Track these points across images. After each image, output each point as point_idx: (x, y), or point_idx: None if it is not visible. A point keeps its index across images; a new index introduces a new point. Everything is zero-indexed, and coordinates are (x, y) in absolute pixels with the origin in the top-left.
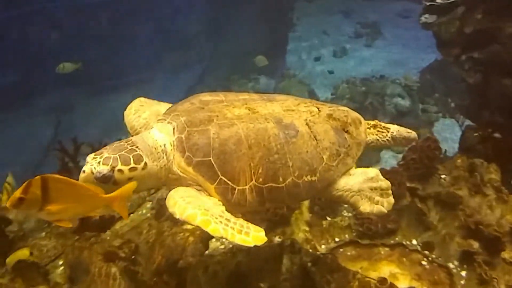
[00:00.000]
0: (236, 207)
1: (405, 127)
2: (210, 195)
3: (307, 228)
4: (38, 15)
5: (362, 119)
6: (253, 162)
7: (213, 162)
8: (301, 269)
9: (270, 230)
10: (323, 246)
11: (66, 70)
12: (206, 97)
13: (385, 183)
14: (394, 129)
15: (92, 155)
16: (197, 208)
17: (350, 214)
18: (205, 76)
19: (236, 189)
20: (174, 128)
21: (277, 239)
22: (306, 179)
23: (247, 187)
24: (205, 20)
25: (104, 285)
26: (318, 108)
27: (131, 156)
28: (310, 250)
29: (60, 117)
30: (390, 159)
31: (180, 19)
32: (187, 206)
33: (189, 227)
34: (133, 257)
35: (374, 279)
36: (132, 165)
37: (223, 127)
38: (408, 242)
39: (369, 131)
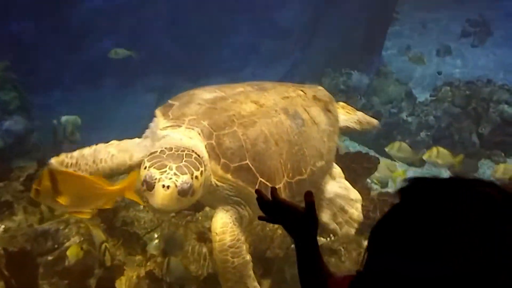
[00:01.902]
0: None
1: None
2: (248, 204)
3: None
4: (140, 4)
5: (332, 97)
6: (282, 158)
7: (250, 165)
8: None
9: (359, 233)
10: None
11: (118, 56)
12: (205, 95)
13: (358, 215)
14: (359, 113)
15: (156, 170)
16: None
17: None
18: (298, 68)
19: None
20: (199, 134)
21: (366, 243)
22: (318, 165)
23: (281, 184)
24: (302, 12)
25: (196, 263)
26: (303, 91)
27: (194, 161)
28: None
29: (160, 99)
30: (488, 171)
31: (277, 10)
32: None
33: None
34: None
35: None
36: (201, 168)
37: (247, 126)
38: None
39: (340, 110)
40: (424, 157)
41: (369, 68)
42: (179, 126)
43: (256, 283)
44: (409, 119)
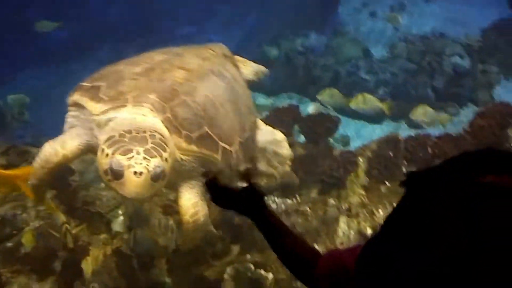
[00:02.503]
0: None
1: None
2: (216, 166)
3: (363, 192)
4: None
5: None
6: (230, 119)
7: (209, 132)
8: (358, 234)
9: (324, 192)
10: (380, 212)
11: (45, 29)
12: (132, 68)
13: (287, 152)
14: (253, 64)
15: (122, 156)
16: None
17: None
18: (255, 31)
19: (233, 152)
20: (151, 109)
21: (331, 201)
22: (252, 120)
23: (237, 145)
24: None
25: (163, 236)
26: (212, 50)
27: (159, 141)
28: (367, 216)
29: None
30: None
31: None
32: None
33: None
34: None
35: None
36: (168, 149)
37: (191, 93)
38: None
39: (240, 65)
40: (350, 105)
41: (325, 27)
42: (124, 106)
43: (211, 227)
44: (367, 77)
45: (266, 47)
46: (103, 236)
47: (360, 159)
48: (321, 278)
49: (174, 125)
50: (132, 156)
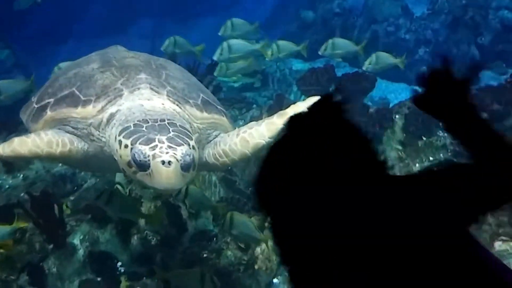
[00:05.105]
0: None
1: None
2: (222, 130)
3: (400, 147)
4: None
5: None
6: (199, 84)
7: (206, 98)
8: None
9: None
10: (417, 165)
11: (23, 7)
12: (87, 67)
13: None
14: None
15: (145, 146)
16: None
17: (446, 134)
18: None
19: (224, 110)
20: (151, 89)
21: None
22: None
23: (220, 104)
24: None
25: (208, 191)
26: (116, 47)
27: (181, 129)
28: (404, 168)
29: (155, 43)
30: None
31: None
32: None
33: None
34: (229, 167)
35: None
36: (193, 136)
37: (165, 68)
38: None
39: None
40: (320, 52)
41: None
42: (120, 95)
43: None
44: (407, 36)
45: (302, 11)
46: (153, 190)
47: (397, 116)
48: None
49: (180, 96)
50: (156, 145)
